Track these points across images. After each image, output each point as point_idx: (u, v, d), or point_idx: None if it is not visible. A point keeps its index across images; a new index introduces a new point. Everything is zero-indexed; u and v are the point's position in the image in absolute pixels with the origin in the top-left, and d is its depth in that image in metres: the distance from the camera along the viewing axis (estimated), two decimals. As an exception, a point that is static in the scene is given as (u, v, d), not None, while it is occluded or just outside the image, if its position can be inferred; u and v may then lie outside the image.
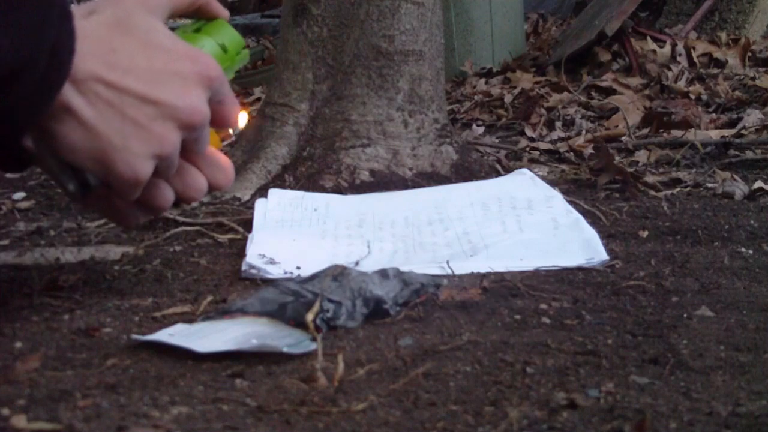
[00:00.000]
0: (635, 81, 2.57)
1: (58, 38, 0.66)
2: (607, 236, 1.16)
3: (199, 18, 0.84)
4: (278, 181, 1.42)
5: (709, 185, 1.48)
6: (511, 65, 3.02)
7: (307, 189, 1.38)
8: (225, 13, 0.84)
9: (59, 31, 0.66)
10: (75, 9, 0.70)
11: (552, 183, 1.44)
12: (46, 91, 0.66)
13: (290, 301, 0.82)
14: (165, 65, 0.72)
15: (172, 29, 0.80)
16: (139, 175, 0.73)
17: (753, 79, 2.55)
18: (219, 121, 0.79)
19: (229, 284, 0.99)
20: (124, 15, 0.72)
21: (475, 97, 2.54)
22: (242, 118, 0.87)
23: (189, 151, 0.78)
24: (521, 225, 1.16)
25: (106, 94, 0.69)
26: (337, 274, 0.86)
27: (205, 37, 0.83)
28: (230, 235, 1.19)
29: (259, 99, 2.72)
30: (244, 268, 1.02)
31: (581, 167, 1.63)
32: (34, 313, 0.87)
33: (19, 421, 0.61)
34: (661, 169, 1.63)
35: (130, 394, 0.67)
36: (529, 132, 2.07)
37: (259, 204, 1.28)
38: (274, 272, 1.01)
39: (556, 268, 1.03)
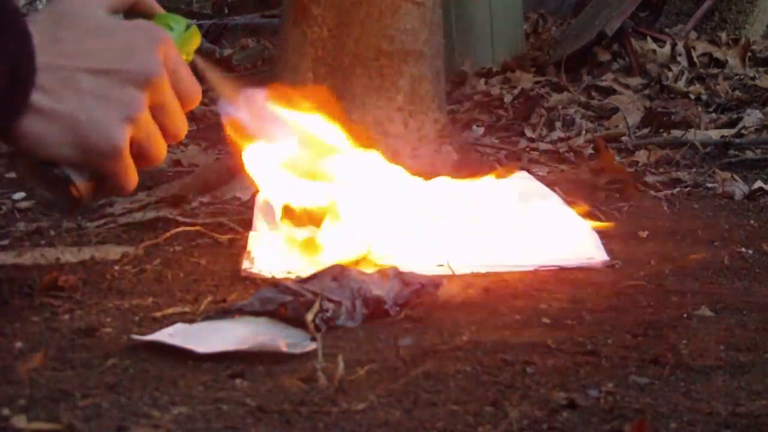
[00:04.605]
0: (635, 81, 2.57)
1: (19, 61, 0.67)
2: (607, 236, 1.16)
3: (141, 16, 0.84)
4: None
5: (709, 185, 1.48)
6: (511, 65, 3.02)
7: (307, 189, 1.37)
8: (161, 9, 0.85)
9: (21, 53, 0.67)
10: None
11: (552, 183, 1.44)
12: (9, 110, 0.67)
13: (290, 301, 0.82)
14: (111, 39, 0.73)
15: None
16: (116, 142, 0.72)
17: (753, 79, 2.55)
18: (180, 91, 0.78)
19: (229, 284, 0.99)
20: (64, 11, 0.73)
21: (475, 98, 2.54)
22: None
23: (163, 126, 0.77)
24: (521, 225, 1.16)
25: (58, 78, 0.70)
26: (337, 274, 0.86)
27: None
28: (230, 235, 1.19)
29: (259, 99, 2.71)
30: (244, 267, 1.02)
31: (581, 167, 1.63)
32: (34, 313, 0.87)
33: (19, 421, 0.61)
34: (661, 169, 1.63)
35: (130, 394, 0.67)
36: (529, 132, 2.07)
37: (259, 200, 1.27)
38: (275, 272, 1.01)
39: (556, 268, 1.03)
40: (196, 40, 0.85)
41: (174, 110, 0.77)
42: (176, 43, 0.81)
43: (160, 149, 0.77)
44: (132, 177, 0.75)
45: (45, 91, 0.69)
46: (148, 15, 0.84)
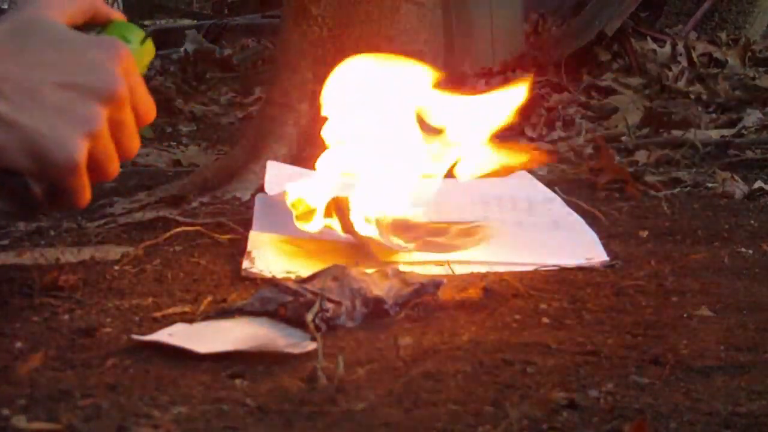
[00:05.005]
0: (635, 81, 2.57)
1: None
2: (607, 236, 1.16)
3: (97, 25, 0.84)
4: (278, 181, 1.42)
5: (709, 185, 1.49)
6: (511, 65, 3.02)
7: (307, 189, 1.37)
8: (119, 15, 0.85)
9: None
10: None
11: (552, 183, 1.44)
12: None
13: (290, 301, 0.82)
14: (74, 53, 0.73)
15: None
16: (75, 156, 0.72)
17: (753, 79, 2.55)
18: (136, 108, 0.78)
19: (229, 284, 0.99)
20: (25, 21, 0.73)
21: (475, 97, 2.54)
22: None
23: (118, 143, 0.77)
24: (521, 225, 1.16)
25: (20, 88, 0.70)
26: (337, 274, 0.86)
27: (106, 35, 0.83)
28: (230, 235, 1.19)
29: (259, 99, 2.72)
30: (244, 267, 1.02)
31: (581, 167, 1.63)
32: (34, 313, 0.87)
33: (19, 421, 0.61)
34: (661, 169, 1.63)
35: (130, 394, 0.67)
36: (529, 132, 2.07)
37: (259, 199, 1.27)
38: (275, 271, 1.01)
39: (556, 268, 1.03)
40: (150, 53, 0.84)
41: (130, 127, 0.77)
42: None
43: (114, 166, 0.77)
44: (86, 193, 0.75)
45: (6, 99, 0.69)
46: (106, 23, 0.83)
